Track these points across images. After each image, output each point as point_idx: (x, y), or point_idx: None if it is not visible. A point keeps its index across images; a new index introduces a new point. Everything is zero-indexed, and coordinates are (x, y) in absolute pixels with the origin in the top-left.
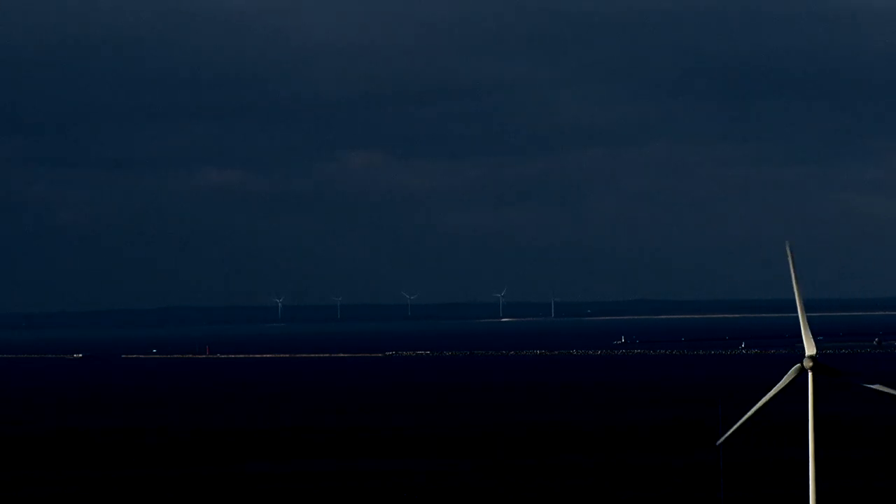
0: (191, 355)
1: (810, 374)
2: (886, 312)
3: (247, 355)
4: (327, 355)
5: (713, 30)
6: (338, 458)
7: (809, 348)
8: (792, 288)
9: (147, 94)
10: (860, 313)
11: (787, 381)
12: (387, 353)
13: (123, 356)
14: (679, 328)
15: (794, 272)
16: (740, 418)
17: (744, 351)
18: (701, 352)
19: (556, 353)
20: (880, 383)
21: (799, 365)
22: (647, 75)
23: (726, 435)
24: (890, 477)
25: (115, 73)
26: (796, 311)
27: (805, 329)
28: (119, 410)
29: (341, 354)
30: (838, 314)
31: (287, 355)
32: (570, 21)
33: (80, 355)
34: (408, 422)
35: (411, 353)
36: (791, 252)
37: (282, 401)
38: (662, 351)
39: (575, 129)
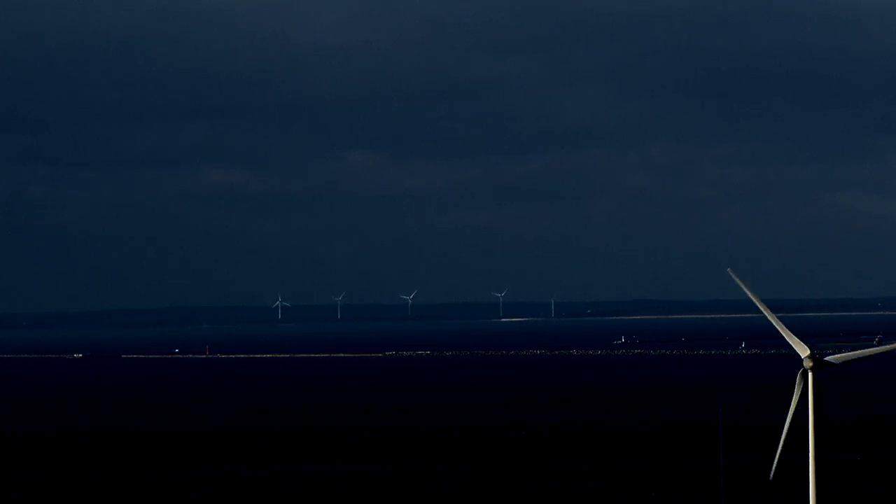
0: (191, 355)
1: (810, 375)
2: (886, 312)
3: (247, 355)
4: (327, 355)
5: (713, 29)
6: (337, 459)
7: (802, 351)
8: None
9: (147, 94)
10: (860, 313)
11: (800, 392)
12: (387, 353)
13: (123, 356)
14: (679, 328)
15: (748, 290)
16: (776, 449)
17: (744, 351)
18: (701, 352)
19: (556, 353)
20: (879, 381)
21: (801, 370)
22: (647, 75)
23: (774, 468)
24: (890, 480)
25: (115, 73)
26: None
27: (787, 335)
28: (118, 411)
29: (341, 354)
30: (838, 314)
31: (287, 355)
32: (570, 21)
33: (80, 355)
34: (407, 422)
35: (411, 353)
36: (735, 275)
37: (281, 401)
38: (662, 351)
39: (575, 129)
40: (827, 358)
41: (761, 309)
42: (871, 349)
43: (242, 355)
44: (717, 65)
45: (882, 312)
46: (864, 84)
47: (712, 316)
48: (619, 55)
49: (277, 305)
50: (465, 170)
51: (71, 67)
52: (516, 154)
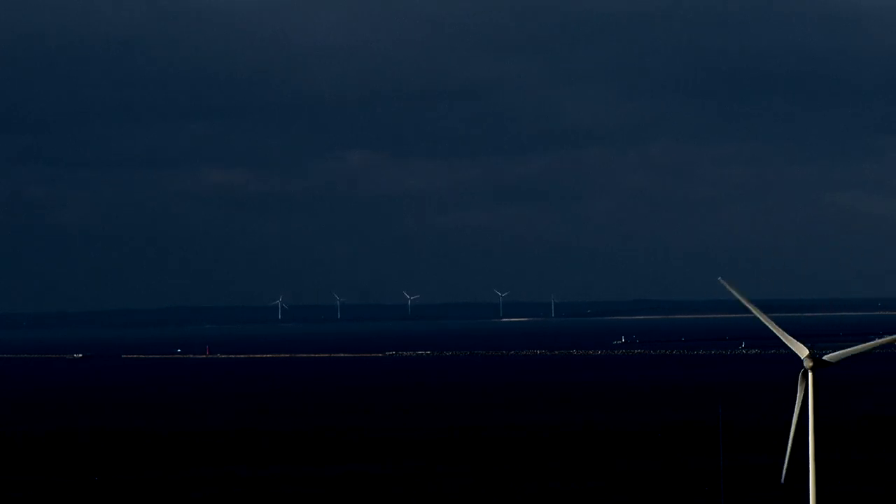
0: (191, 355)
1: (810, 375)
2: (886, 312)
3: (247, 355)
4: (327, 355)
5: (713, 29)
6: (337, 459)
7: (801, 351)
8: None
9: (147, 94)
10: (860, 313)
11: (803, 392)
12: (387, 353)
13: (123, 356)
14: (679, 328)
15: (741, 295)
16: (785, 452)
17: (744, 351)
18: (701, 352)
19: (556, 353)
20: (878, 381)
21: (802, 371)
22: (647, 75)
23: (784, 472)
24: (890, 480)
25: (115, 73)
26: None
27: (784, 337)
28: (118, 411)
29: (341, 354)
30: (838, 314)
31: (287, 355)
32: (570, 21)
33: (80, 355)
34: (407, 422)
35: (411, 353)
36: (727, 283)
37: (281, 401)
38: (662, 351)
39: (575, 129)
40: (825, 357)
41: (755, 313)
42: (868, 344)
43: (242, 355)
44: (717, 65)
45: (882, 312)
46: (864, 84)
47: (712, 316)
48: (619, 55)
49: (277, 305)
50: (465, 170)
51: (71, 67)
52: (516, 154)
